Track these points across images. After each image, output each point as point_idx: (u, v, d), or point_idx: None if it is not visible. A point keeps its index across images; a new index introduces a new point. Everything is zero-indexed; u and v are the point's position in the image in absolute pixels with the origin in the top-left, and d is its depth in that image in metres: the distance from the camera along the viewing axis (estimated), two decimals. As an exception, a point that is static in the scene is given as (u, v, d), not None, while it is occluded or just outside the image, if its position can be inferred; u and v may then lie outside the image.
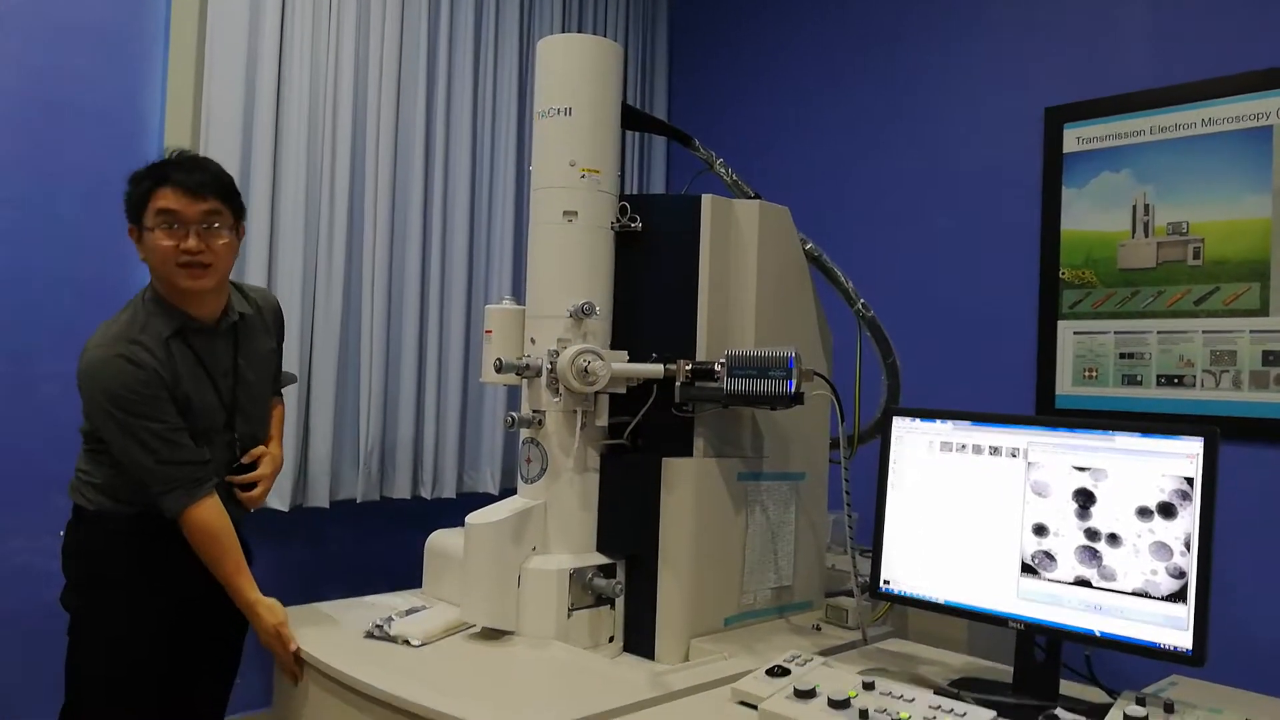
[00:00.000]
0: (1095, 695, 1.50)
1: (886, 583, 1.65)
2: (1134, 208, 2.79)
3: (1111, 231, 2.83)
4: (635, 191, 3.91)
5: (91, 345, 1.72)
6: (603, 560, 1.80)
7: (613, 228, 1.87)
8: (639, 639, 1.78)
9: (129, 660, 1.75)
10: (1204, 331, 2.64)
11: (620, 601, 1.80)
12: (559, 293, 1.81)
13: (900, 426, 1.66)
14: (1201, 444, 1.36)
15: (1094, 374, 2.84)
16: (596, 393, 1.77)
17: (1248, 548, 2.49)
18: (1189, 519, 1.35)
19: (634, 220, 1.88)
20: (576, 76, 1.85)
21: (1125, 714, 1.34)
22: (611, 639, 1.80)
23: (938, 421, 1.62)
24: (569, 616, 1.73)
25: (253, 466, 1.92)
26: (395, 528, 3.33)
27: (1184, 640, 1.33)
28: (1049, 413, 2.90)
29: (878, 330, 2.13)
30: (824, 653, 1.70)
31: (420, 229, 3.28)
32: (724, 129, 3.77)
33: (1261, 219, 2.55)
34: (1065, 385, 2.89)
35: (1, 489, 2.62)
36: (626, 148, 3.93)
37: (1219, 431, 1.37)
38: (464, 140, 3.41)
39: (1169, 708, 1.36)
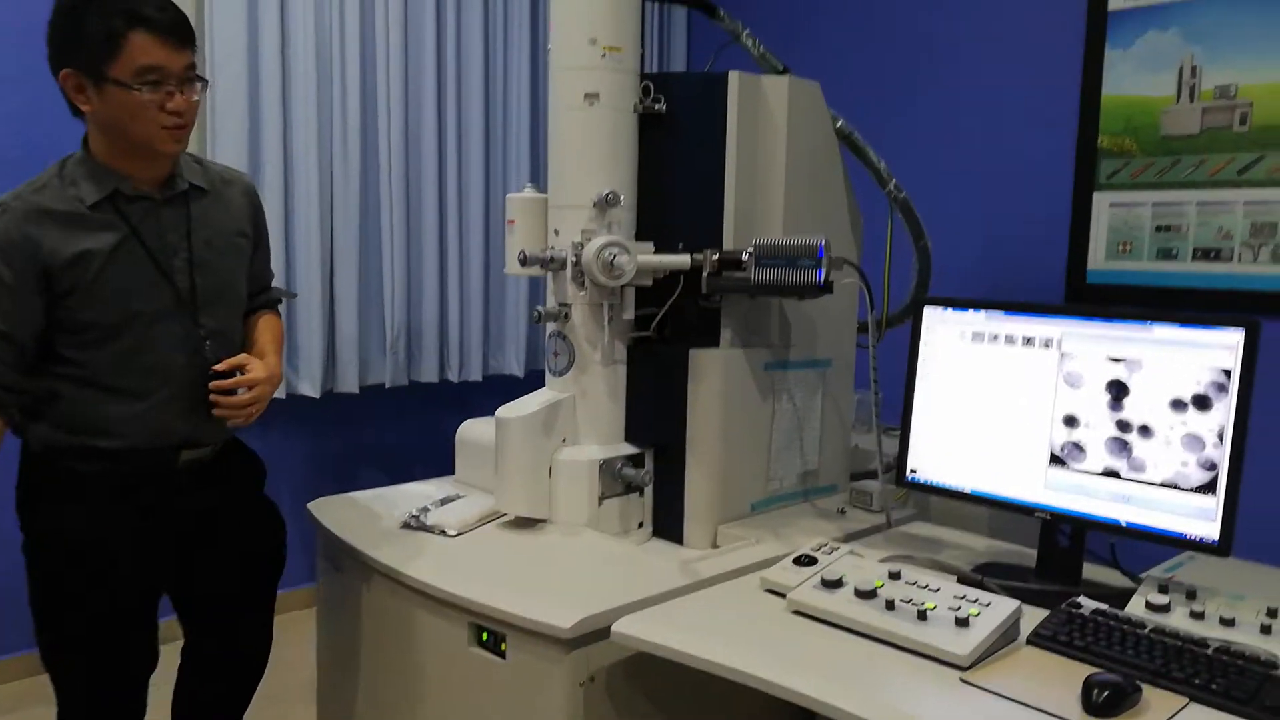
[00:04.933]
0: (1117, 579, 1.53)
1: (913, 472, 1.66)
2: (1180, 70, 2.66)
3: (1155, 96, 2.70)
4: (655, 70, 3.76)
5: None
6: (631, 450, 1.82)
7: (636, 110, 1.80)
8: (668, 524, 1.82)
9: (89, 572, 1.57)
10: (1245, 203, 2.55)
11: (649, 489, 1.84)
12: (582, 181, 1.76)
13: (931, 316, 1.64)
14: (1242, 335, 1.33)
15: (1128, 248, 2.77)
16: (623, 286, 1.75)
17: (1275, 425, 2.48)
18: (1224, 411, 1.34)
19: (658, 101, 1.81)
20: (593, -54, 1.74)
21: (1148, 601, 1.36)
22: (641, 524, 1.84)
23: (970, 311, 1.59)
24: (600, 505, 1.77)
25: (230, 375, 1.59)
26: (425, 411, 3.39)
27: (1211, 531, 1.34)
28: (1080, 289, 2.85)
29: (910, 212, 2.07)
30: (849, 537, 1.73)
31: (435, 114, 3.20)
32: (750, -4, 3.58)
33: (1317, 82, 2.43)
34: (1098, 260, 2.83)
35: None
36: (645, 22, 3.74)
37: (1260, 323, 1.34)
38: (477, 19, 3.28)
39: (1191, 594, 1.38)
